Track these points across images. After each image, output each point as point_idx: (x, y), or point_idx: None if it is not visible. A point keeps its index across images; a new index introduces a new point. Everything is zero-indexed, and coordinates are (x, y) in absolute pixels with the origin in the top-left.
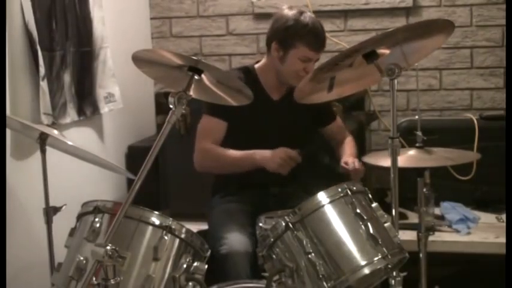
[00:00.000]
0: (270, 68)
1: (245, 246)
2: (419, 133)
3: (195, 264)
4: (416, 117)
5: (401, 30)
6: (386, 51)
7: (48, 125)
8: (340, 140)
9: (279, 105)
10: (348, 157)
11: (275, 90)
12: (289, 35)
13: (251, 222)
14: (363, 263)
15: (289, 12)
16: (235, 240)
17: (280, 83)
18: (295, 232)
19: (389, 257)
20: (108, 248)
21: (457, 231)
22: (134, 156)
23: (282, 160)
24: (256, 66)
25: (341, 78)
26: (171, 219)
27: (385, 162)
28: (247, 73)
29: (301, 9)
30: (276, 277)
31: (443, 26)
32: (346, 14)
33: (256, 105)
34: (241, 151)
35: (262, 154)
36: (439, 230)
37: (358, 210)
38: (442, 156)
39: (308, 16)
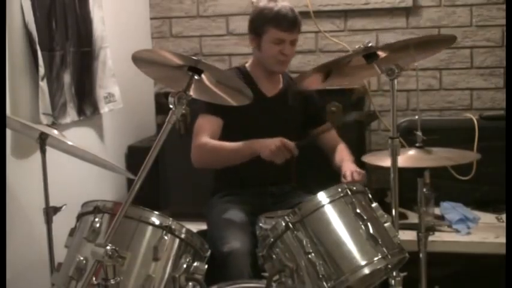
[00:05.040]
0: (257, 63)
1: (246, 245)
2: (419, 133)
3: (195, 264)
4: (416, 117)
5: (413, 43)
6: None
7: (48, 125)
8: (333, 147)
9: (274, 102)
10: (347, 168)
11: (269, 87)
12: (258, 22)
13: (251, 222)
14: (362, 263)
15: (260, 5)
16: (237, 239)
17: (269, 75)
18: (295, 232)
19: (389, 257)
20: (108, 248)
21: (457, 231)
22: (134, 156)
23: (277, 148)
24: (247, 65)
25: (338, 70)
26: (171, 219)
27: (385, 162)
28: (239, 72)
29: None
30: (276, 277)
31: (449, 40)
32: (346, 14)
33: (251, 103)
34: (238, 142)
35: (259, 141)
36: (439, 230)
37: (358, 210)
38: (442, 156)
39: (277, 3)
